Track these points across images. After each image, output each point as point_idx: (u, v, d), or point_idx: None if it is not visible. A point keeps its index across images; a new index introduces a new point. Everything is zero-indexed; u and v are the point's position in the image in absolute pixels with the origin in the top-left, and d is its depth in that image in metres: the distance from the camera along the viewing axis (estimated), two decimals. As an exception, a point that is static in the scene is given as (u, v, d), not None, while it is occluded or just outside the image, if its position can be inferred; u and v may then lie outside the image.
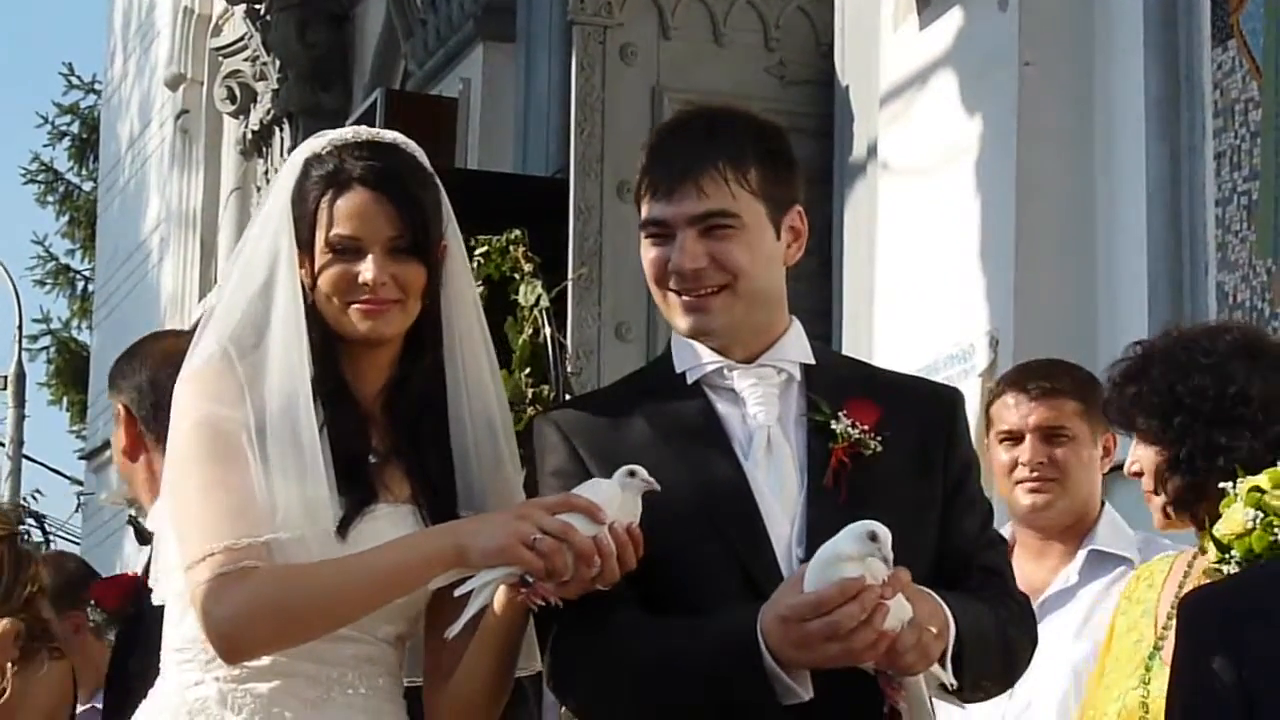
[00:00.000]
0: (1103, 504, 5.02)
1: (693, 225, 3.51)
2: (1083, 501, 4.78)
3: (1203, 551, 4.13)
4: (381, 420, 3.59)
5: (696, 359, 3.58)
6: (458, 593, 3.32)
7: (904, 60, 6.59)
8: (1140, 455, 4.17)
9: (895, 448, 3.52)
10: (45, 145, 27.69)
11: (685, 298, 3.55)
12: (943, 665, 3.37)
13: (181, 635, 3.45)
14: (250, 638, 3.33)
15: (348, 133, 3.73)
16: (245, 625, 3.32)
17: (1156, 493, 4.15)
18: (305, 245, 3.54)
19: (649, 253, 3.60)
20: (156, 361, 4.46)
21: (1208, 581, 3.97)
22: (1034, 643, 3.71)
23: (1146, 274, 5.82)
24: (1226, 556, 3.90)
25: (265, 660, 3.37)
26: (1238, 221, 5.75)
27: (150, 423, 4.37)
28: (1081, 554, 4.72)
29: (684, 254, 3.51)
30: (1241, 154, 5.78)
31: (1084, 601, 4.86)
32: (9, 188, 42.42)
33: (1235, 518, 3.82)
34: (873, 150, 6.69)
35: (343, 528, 3.44)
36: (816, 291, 5.27)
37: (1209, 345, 4.31)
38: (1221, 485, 3.95)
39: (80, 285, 26.46)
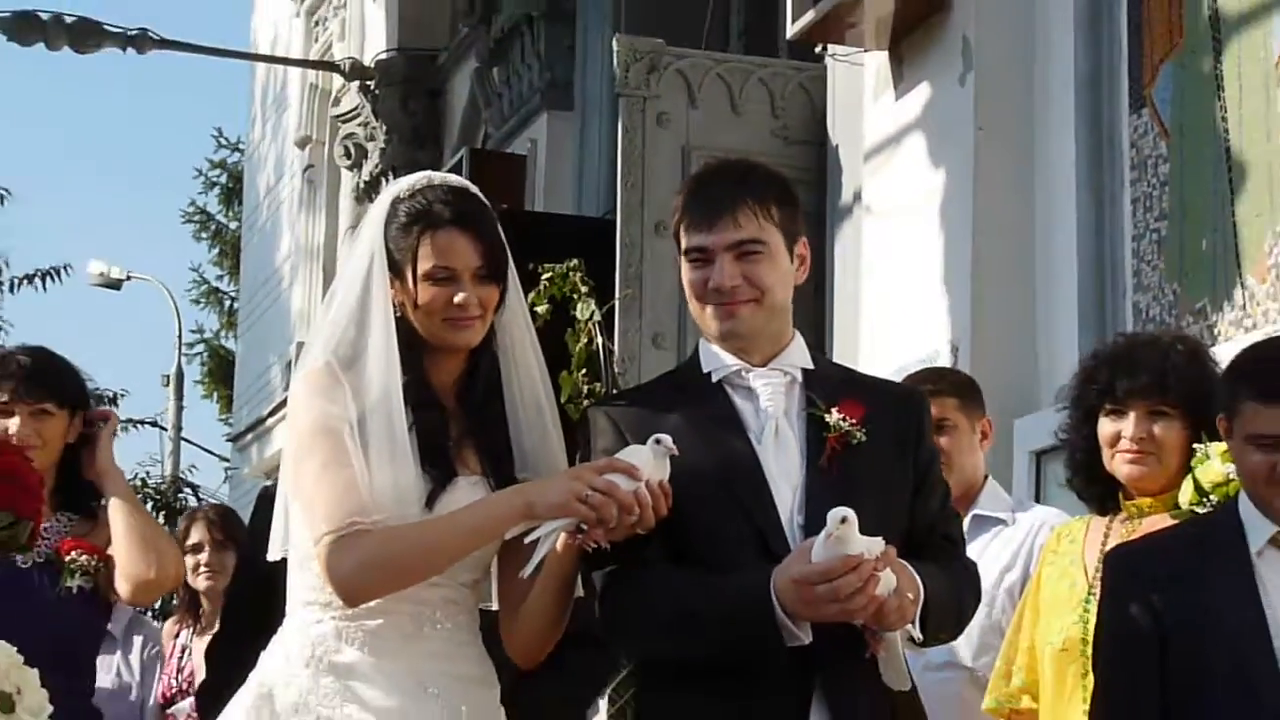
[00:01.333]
0: (986, 478, 4.95)
1: (730, 250, 3.46)
2: (967, 476, 4.72)
3: (1130, 514, 4.12)
4: (455, 409, 3.56)
5: (720, 362, 3.53)
6: (527, 540, 3.31)
7: (882, 125, 6.56)
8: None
9: (876, 438, 3.47)
10: (200, 193, 27.77)
11: (721, 308, 3.53)
12: (914, 624, 3.37)
13: (304, 585, 3.43)
14: (365, 587, 3.31)
15: (421, 178, 3.69)
16: (361, 578, 3.31)
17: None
18: (397, 271, 3.52)
19: (692, 274, 3.54)
20: None
21: (1132, 539, 3.92)
22: (978, 600, 3.67)
23: (1076, 296, 5.79)
24: (1204, 500, 3.86)
25: (373, 604, 3.37)
26: (1150, 254, 5.74)
27: None
28: (968, 518, 4.68)
29: (723, 274, 3.46)
30: (1153, 200, 5.78)
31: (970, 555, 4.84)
32: (171, 226, 42.09)
33: (1214, 470, 3.80)
34: (858, 197, 6.66)
35: (430, 500, 3.43)
36: (812, 309, 5.26)
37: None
38: (1195, 446, 3.93)
39: (227, 304, 26.39)
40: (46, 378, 4.67)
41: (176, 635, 6.41)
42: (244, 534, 6.54)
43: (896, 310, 6.20)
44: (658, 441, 3.32)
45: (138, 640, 6.21)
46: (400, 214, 3.53)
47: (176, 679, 6.38)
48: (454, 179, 3.71)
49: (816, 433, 3.46)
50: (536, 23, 10.42)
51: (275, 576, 4.16)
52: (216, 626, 6.28)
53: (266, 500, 5.21)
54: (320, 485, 3.37)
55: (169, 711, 6.27)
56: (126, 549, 4.55)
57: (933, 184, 6.13)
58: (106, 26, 12.03)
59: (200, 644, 6.38)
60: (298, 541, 3.47)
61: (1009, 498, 4.91)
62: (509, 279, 3.57)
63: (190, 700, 6.26)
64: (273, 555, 3.57)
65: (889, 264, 6.33)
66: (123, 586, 4.60)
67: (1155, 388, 4.06)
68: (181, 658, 6.45)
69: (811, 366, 3.59)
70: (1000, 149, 6.01)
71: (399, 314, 3.47)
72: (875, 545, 3.23)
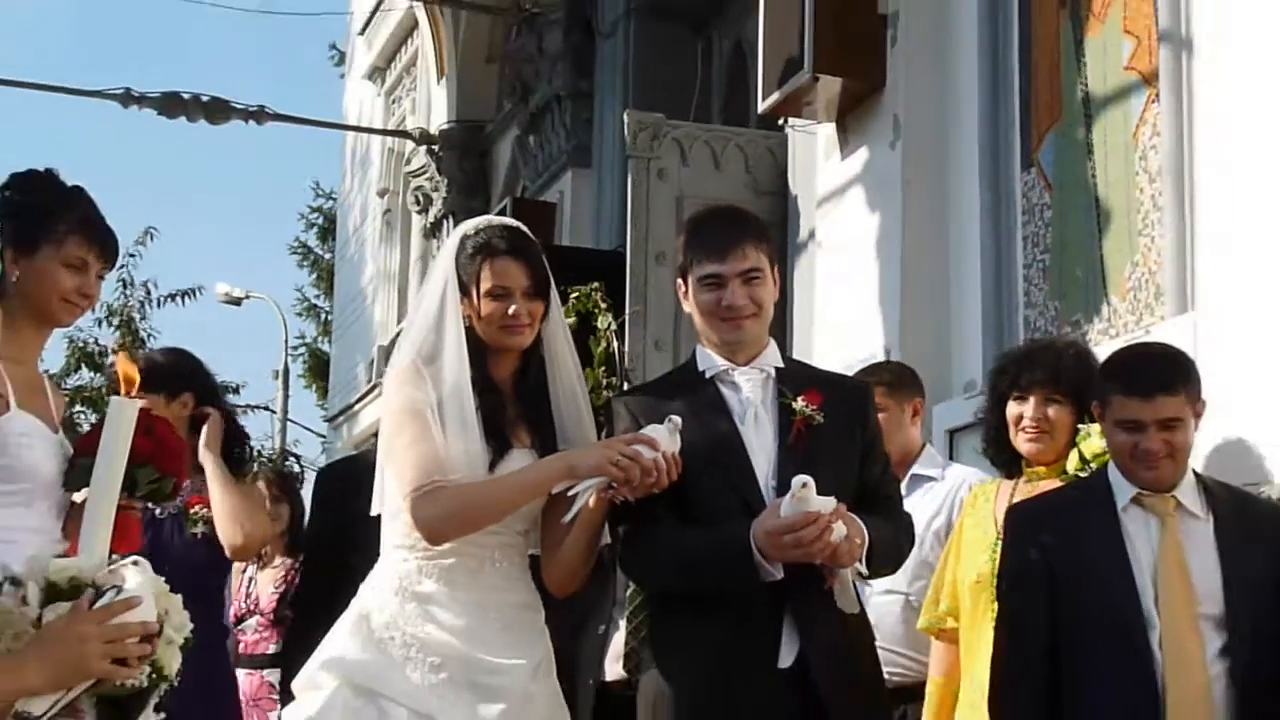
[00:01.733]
0: (924, 446, 4.88)
1: (739, 277, 3.46)
2: (901, 445, 4.66)
3: (1029, 478, 4.12)
4: (510, 396, 3.54)
5: (712, 362, 3.52)
6: (569, 494, 3.31)
7: (831, 180, 6.54)
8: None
9: (832, 420, 3.47)
10: (302, 231, 27.69)
11: (729, 322, 3.50)
12: (861, 563, 3.37)
13: (395, 533, 3.42)
14: (443, 531, 3.31)
15: (484, 220, 3.70)
16: (440, 523, 3.31)
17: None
18: (465, 291, 3.51)
19: (706, 295, 3.51)
20: None
21: (1030, 495, 3.93)
22: (912, 543, 3.68)
23: (980, 311, 5.76)
24: (1085, 466, 3.88)
25: (447, 546, 3.37)
26: (1037, 279, 5.73)
27: None
28: (907, 476, 4.66)
29: (735, 295, 3.45)
30: (1039, 237, 5.77)
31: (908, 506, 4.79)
32: (280, 257, 42.06)
33: (1094, 444, 3.81)
34: (812, 235, 6.64)
35: (492, 465, 3.42)
36: (778, 321, 5.26)
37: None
38: (1079, 425, 3.94)
39: (323, 316, 26.32)
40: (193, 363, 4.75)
41: (244, 570, 6.40)
42: (297, 492, 6.67)
43: (842, 322, 6.18)
44: (671, 421, 3.33)
45: None
46: (468, 246, 3.54)
47: (245, 602, 6.44)
48: (509, 220, 3.72)
49: (786, 417, 3.48)
50: (563, 101, 10.39)
51: (344, 545, 4.25)
52: (275, 562, 6.42)
53: (327, 476, 5.22)
54: (409, 454, 3.37)
55: (238, 628, 6.32)
56: (219, 521, 4.57)
57: (870, 225, 6.12)
58: (233, 104, 12.03)
59: (262, 575, 6.48)
60: (390, 499, 3.48)
61: (942, 460, 4.88)
62: (551, 296, 3.57)
63: (256, 619, 6.40)
64: (374, 511, 3.56)
65: (836, 287, 6.32)
66: (224, 548, 4.64)
67: (1050, 381, 4.07)
68: (248, 586, 6.49)
69: (782, 365, 3.59)
70: (922, 198, 6.00)
71: (467, 324, 3.48)
72: (829, 503, 3.24)
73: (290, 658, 5.05)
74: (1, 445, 3.23)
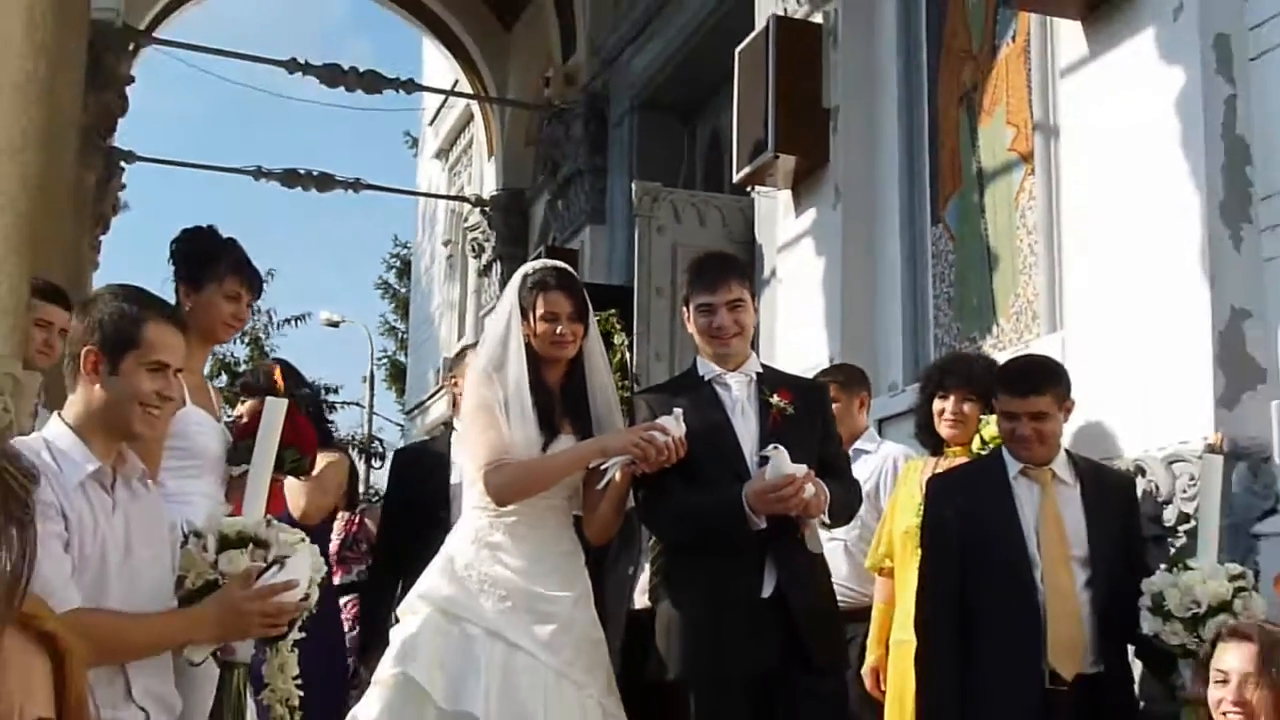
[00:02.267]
0: (867, 428, 4.81)
1: (726, 305, 3.45)
2: (850, 429, 4.58)
3: (947, 456, 4.10)
4: (559, 396, 3.50)
5: (710, 369, 3.49)
6: (601, 468, 3.31)
7: (788, 232, 6.45)
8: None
9: (799, 412, 3.44)
10: (385, 271, 27.70)
11: (718, 340, 3.49)
12: (824, 515, 3.36)
13: (472, 497, 3.39)
14: (506, 496, 3.29)
15: (540, 262, 3.69)
16: (505, 490, 3.29)
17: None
18: (525, 315, 3.49)
19: (702, 319, 3.48)
20: None
21: (947, 468, 3.96)
22: (860, 502, 3.66)
23: (901, 330, 5.72)
24: (985, 446, 3.90)
25: (511, 507, 3.38)
26: (944, 306, 5.70)
27: None
28: (852, 450, 4.63)
29: (723, 319, 3.44)
30: (945, 275, 5.75)
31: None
32: (367, 290, 41.99)
33: (992, 430, 3.76)
34: (774, 273, 6.59)
35: (544, 447, 3.42)
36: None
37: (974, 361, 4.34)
38: (983, 416, 3.96)
39: (400, 336, 26.32)
40: (296, 372, 4.48)
41: None
42: (354, 462, 6.45)
43: (797, 339, 6.15)
44: (676, 413, 3.33)
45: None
46: (527, 282, 3.53)
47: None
48: (559, 263, 3.71)
49: (765, 409, 3.48)
50: (583, 174, 10.38)
51: (412, 507, 4.20)
52: (338, 515, 5.94)
53: (402, 455, 5.15)
54: (482, 439, 3.37)
55: None
56: (288, 497, 4.30)
57: (817, 266, 6.10)
58: (335, 177, 12.03)
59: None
60: (468, 472, 3.47)
61: (877, 440, 4.85)
62: (590, 320, 3.56)
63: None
64: (453, 481, 3.55)
65: (793, 312, 6.29)
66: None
67: (965, 384, 4.09)
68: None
69: (761, 371, 3.57)
70: (856, 246, 5.97)
71: (526, 341, 3.46)
72: (801, 469, 3.25)
73: (369, 590, 5.05)
74: (182, 431, 3.24)
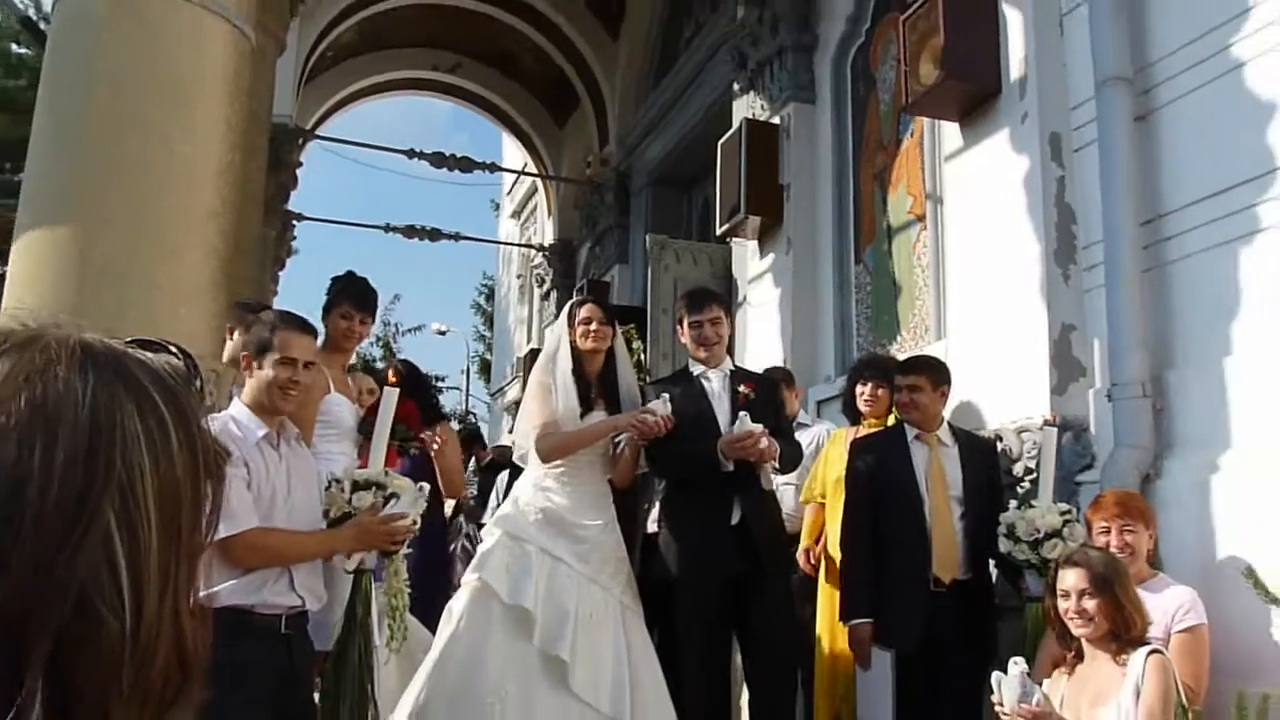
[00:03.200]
0: (801, 409, 4.74)
1: (709, 321, 3.42)
2: (791, 410, 4.58)
3: (866, 426, 4.01)
4: (595, 382, 3.45)
5: (697, 367, 3.47)
6: (615, 439, 3.31)
7: (755, 270, 6.38)
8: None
9: (759, 397, 3.43)
10: (476, 294, 27.68)
11: (703, 347, 3.45)
12: (775, 461, 3.36)
13: (532, 458, 3.46)
14: (548, 454, 3.28)
15: (581, 296, 3.72)
16: (550, 450, 3.30)
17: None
18: (571, 324, 3.47)
19: (692, 332, 3.43)
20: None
21: (865, 434, 3.90)
22: (801, 457, 3.62)
23: (833, 341, 5.66)
24: (892, 418, 3.84)
25: (558, 462, 3.39)
26: (864, 323, 5.65)
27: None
28: (795, 425, 4.57)
29: (707, 332, 3.42)
30: (864, 301, 5.70)
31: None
32: (464, 310, 41.91)
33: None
34: (745, 299, 6.55)
35: (582, 418, 3.42)
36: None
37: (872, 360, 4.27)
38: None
39: (487, 341, 26.38)
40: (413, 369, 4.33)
41: None
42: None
43: (759, 348, 6.09)
44: (662, 398, 3.31)
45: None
46: (573, 303, 3.55)
47: None
48: (594, 290, 3.71)
49: (735, 395, 3.45)
50: (614, 229, 10.37)
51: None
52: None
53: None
54: (540, 410, 3.35)
55: None
56: (441, 480, 4.09)
57: (773, 295, 6.07)
58: (441, 230, 11.99)
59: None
60: (528, 434, 3.50)
61: (812, 417, 4.81)
62: (615, 327, 3.54)
63: None
64: (512, 440, 3.52)
65: (757, 328, 6.23)
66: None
67: (880, 376, 4.05)
68: None
69: (734, 369, 3.56)
70: (803, 281, 5.92)
71: (571, 343, 3.45)
72: (759, 428, 3.23)
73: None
74: (327, 409, 3.27)
